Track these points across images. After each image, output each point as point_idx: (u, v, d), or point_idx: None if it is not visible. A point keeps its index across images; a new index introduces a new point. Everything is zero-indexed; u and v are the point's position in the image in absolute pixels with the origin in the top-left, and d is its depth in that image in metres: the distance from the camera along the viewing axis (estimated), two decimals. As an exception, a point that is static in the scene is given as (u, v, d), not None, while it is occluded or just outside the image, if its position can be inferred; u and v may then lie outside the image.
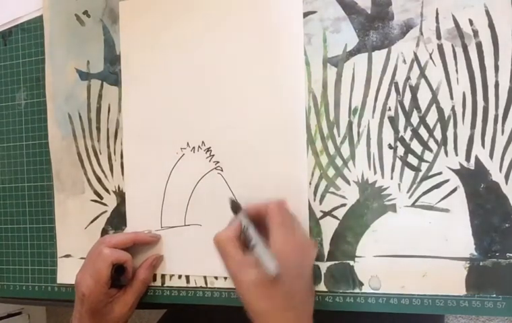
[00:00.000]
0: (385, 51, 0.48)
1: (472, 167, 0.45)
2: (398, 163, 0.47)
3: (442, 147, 0.46)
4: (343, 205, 0.49)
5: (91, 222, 0.59)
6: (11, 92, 0.63)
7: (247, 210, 0.47)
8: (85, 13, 0.59)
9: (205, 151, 0.54)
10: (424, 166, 0.47)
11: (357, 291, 0.49)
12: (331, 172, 0.49)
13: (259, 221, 0.46)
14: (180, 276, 0.55)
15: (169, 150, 0.55)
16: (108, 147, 0.58)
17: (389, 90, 0.48)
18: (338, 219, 0.49)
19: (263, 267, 0.42)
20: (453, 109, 0.46)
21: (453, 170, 0.46)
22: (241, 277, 0.44)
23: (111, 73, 0.58)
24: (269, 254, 0.42)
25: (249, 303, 0.44)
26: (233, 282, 0.45)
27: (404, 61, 0.47)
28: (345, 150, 0.49)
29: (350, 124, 0.49)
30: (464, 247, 0.45)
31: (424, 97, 0.47)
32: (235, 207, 0.47)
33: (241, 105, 0.52)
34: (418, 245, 0.47)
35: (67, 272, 0.60)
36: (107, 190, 0.58)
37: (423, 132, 0.47)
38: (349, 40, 0.49)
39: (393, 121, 0.48)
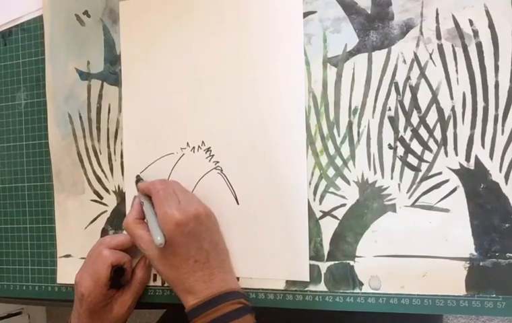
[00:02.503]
0: (385, 51, 0.48)
1: (472, 167, 0.45)
2: (398, 163, 0.47)
3: (442, 147, 0.46)
4: (343, 205, 0.49)
5: (91, 222, 0.59)
6: (11, 92, 0.63)
7: (140, 187, 0.53)
8: (85, 13, 0.59)
9: (205, 151, 0.54)
10: (424, 166, 0.47)
11: (357, 291, 0.49)
12: (330, 172, 0.49)
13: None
14: (180, 276, 0.55)
15: (169, 150, 0.55)
16: (108, 147, 0.58)
17: (389, 90, 0.48)
18: (338, 219, 0.49)
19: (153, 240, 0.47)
20: (453, 109, 0.46)
21: (453, 170, 0.46)
22: (150, 253, 0.49)
23: (111, 73, 0.58)
24: (156, 227, 0.47)
25: (162, 274, 0.50)
26: (147, 259, 0.51)
27: (404, 61, 0.47)
28: (345, 150, 0.49)
29: (350, 124, 0.49)
30: (464, 247, 0.45)
31: (424, 97, 0.47)
32: (137, 182, 0.54)
33: (241, 105, 0.52)
34: (418, 245, 0.47)
35: (66, 272, 0.60)
36: (107, 190, 0.58)
37: (423, 132, 0.47)
38: (349, 40, 0.49)
39: (393, 121, 0.48)
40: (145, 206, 0.51)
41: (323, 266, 0.50)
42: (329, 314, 0.49)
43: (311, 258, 0.50)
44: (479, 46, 0.45)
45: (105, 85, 0.58)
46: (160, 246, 0.46)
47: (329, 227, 0.49)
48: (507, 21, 0.44)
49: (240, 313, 0.46)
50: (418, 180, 0.47)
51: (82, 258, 0.58)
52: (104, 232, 0.58)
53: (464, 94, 0.45)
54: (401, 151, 0.47)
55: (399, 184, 0.47)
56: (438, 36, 0.46)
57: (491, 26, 0.45)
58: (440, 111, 0.46)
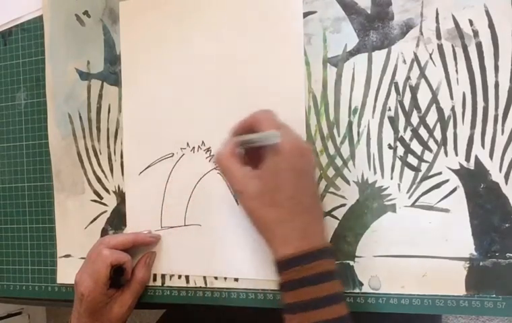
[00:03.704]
0: (385, 51, 0.48)
1: (472, 167, 0.45)
2: (398, 163, 0.47)
3: (442, 147, 0.46)
4: (343, 205, 0.49)
5: (91, 222, 0.59)
6: (11, 92, 0.63)
7: (235, 130, 0.47)
8: (85, 13, 0.59)
9: (205, 151, 0.54)
10: (424, 166, 0.47)
11: (357, 291, 0.49)
12: (330, 172, 0.49)
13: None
14: (180, 276, 0.55)
15: (169, 150, 0.55)
16: (108, 147, 0.58)
17: (389, 90, 0.48)
18: (338, 219, 0.49)
19: (269, 158, 0.42)
20: (452, 109, 0.46)
21: (453, 170, 0.46)
22: (245, 189, 0.43)
23: (111, 73, 0.58)
24: (268, 132, 0.42)
25: (255, 214, 0.44)
26: (238, 198, 0.45)
27: (404, 61, 0.47)
28: (345, 150, 0.49)
29: (350, 124, 0.49)
30: (464, 248, 0.45)
31: (424, 97, 0.47)
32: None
33: (241, 105, 0.52)
34: (418, 245, 0.47)
35: (66, 272, 0.60)
36: (107, 190, 0.58)
37: (423, 132, 0.47)
38: (349, 40, 0.49)
39: (393, 121, 0.48)
40: (244, 136, 0.45)
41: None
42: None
43: (311, 258, 0.50)
44: (479, 46, 0.45)
45: (105, 85, 0.58)
46: (276, 140, 0.40)
47: (329, 227, 0.49)
48: (507, 21, 0.44)
49: (333, 276, 0.42)
50: (418, 180, 0.47)
51: (82, 258, 0.58)
52: (104, 232, 0.58)
53: (464, 94, 0.45)
54: (401, 151, 0.47)
55: (399, 184, 0.47)
56: (438, 36, 0.46)
57: (491, 26, 0.45)
58: (440, 111, 0.46)
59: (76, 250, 0.59)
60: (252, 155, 0.46)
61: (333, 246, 0.45)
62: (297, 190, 0.42)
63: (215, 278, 0.54)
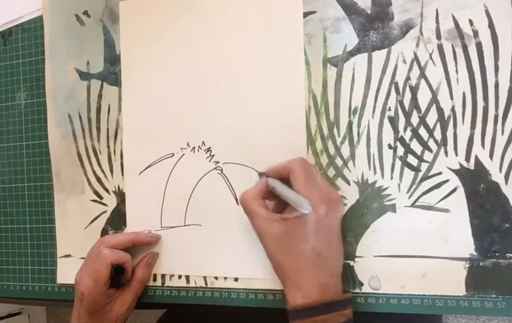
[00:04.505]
0: (385, 51, 0.48)
1: (472, 167, 0.45)
2: (398, 163, 0.47)
3: (442, 147, 0.46)
4: (343, 205, 0.49)
5: (91, 222, 0.59)
6: (11, 92, 0.63)
7: (270, 172, 0.47)
8: (85, 13, 0.59)
9: (205, 151, 0.54)
10: (424, 166, 0.47)
11: (357, 291, 0.49)
12: (331, 172, 0.49)
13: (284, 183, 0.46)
14: (180, 276, 0.55)
15: (169, 150, 0.55)
16: (108, 147, 0.58)
17: (389, 90, 0.48)
18: (338, 219, 0.49)
19: (296, 209, 0.42)
20: (453, 109, 0.46)
21: (453, 170, 0.46)
22: (268, 231, 0.44)
23: (111, 73, 0.58)
24: (301, 196, 0.42)
25: (274, 258, 0.44)
26: (260, 240, 0.45)
27: (404, 61, 0.47)
28: (345, 150, 0.49)
29: (350, 124, 0.49)
30: (464, 248, 0.45)
31: (424, 97, 0.47)
32: (261, 175, 0.48)
33: (241, 105, 0.52)
34: (418, 245, 0.47)
35: (66, 272, 0.60)
36: (107, 190, 0.58)
37: (423, 132, 0.47)
38: (349, 40, 0.49)
39: (393, 121, 0.48)
40: (278, 184, 0.46)
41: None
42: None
43: (311, 258, 0.50)
44: (479, 46, 0.45)
45: (105, 85, 0.58)
46: (307, 213, 0.41)
47: (329, 227, 0.49)
48: (507, 21, 0.44)
49: None
50: (418, 180, 0.47)
51: (82, 258, 0.58)
52: (104, 232, 0.58)
53: (464, 94, 0.45)
54: (401, 151, 0.47)
55: (399, 184, 0.47)
56: (438, 36, 0.46)
57: (491, 26, 0.45)
58: (440, 111, 0.46)
59: (76, 250, 0.59)
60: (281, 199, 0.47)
61: (347, 296, 0.45)
62: (319, 243, 0.43)
63: (215, 278, 0.54)
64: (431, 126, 0.46)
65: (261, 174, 0.48)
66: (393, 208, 0.47)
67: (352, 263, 0.49)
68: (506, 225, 0.44)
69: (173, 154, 0.55)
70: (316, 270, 0.43)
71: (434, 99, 0.46)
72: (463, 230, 0.45)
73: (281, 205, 0.47)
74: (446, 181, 0.46)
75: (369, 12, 0.48)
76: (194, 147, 0.54)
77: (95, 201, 0.59)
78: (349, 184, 0.49)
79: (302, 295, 0.42)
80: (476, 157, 0.45)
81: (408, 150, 0.47)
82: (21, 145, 0.63)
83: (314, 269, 0.43)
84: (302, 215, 0.42)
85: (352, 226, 0.49)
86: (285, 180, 0.46)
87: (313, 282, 0.43)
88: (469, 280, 0.45)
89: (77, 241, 0.59)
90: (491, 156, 0.45)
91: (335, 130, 0.49)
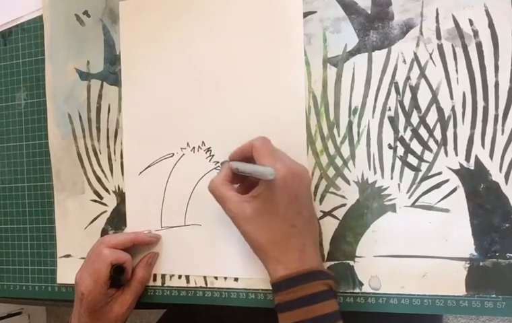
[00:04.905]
0: (385, 51, 0.48)
1: (472, 167, 0.45)
2: (398, 163, 0.47)
3: (442, 147, 0.46)
4: (343, 205, 0.49)
5: (91, 222, 0.59)
6: (11, 92, 0.63)
7: (232, 156, 0.48)
8: (85, 13, 0.59)
9: (205, 151, 0.54)
10: (424, 166, 0.47)
11: (357, 291, 0.49)
12: (331, 172, 0.49)
13: (247, 162, 0.47)
14: (180, 276, 0.55)
15: (169, 150, 0.55)
16: (108, 146, 0.58)
17: (389, 90, 0.48)
18: (338, 219, 0.49)
19: (262, 184, 0.43)
20: (453, 109, 0.46)
21: (453, 170, 0.46)
22: (240, 213, 0.45)
23: (111, 73, 0.58)
24: (263, 166, 0.43)
25: (250, 237, 0.45)
26: (233, 222, 0.46)
27: (404, 61, 0.47)
28: (345, 150, 0.49)
29: (350, 124, 0.49)
30: (464, 248, 0.45)
31: (424, 97, 0.47)
32: (223, 163, 0.50)
33: (241, 105, 0.52)
34: (418, 245, 0.47)
35: (66, 272, 0.60)
36: (107, 190, 0.58)
37: (423, 132, 0.47)
38: (349, 40, 0.49)
39: (393, 121, 0.48)
40: (241, 164, 0.46)
41: (323, 266, 0.49)
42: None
43: (311, 258, 0.50)
44: (479, 45, 0.45)
45: (105, 85, 0.58)
46: (271, 178, 0.41)
47: (329, 227, 0.49)
48: (507, 21, 0.44)
49: (327, 296, 0.43)
50: (418, 180, 0.47)
51: (82, 258, 0.58)
52: (104, 232, 0.58)
53: (464, 94, 0.45)
54: (401, 151, 0.47)
55: (399, 184, 0.47)
56: (438, 36, 0.46)
57: (491, 26, 0.45)
58: (440, 111, 0.46)
59: (76, 250, 0.59)
60: (248, 181, 0.48)
61: (326, 269, 0.46)
62: (291, 213, 0.43)
63: (215, 278, 0.54)
64: (431, 126, 0.46)
65: (223, 163, 0.50)
66: (393, 208, 0.47)
67: (351, 263, 0.49)
68: (506, 225, 0.44)
69: (173, 154, 0.55)
70: (292, 241, 0.43)
71: (434, 99, 0.46)
72: (463, 230, 0.45)
73: (249, 189, 0.47)
74: (447, 181, 0.46)
75: (369, 12, 0.48)
76: (194, 147, 0.54)
77: (95, 201, 0.59)
78: (349, 184, 0.49)
79: (282, 267, 0.43)
80: (476, 157, 0.45)
81: (408, 150, 0.47)
82: (21, 145, 0.63)
83: (290, 240, 0.43)
84: (270, 188, 0.43)
85: (352, 226, 0.49)
86: (249, 160, 0.46)
87: (291, 253, 0.43)
88: (469, 280, 0.45)
89: (77, 241, 0.59)
90: (491, 156, 0.45)
91: (335, 130, 0.49)
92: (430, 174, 0.47)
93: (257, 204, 0.44)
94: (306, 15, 0.50)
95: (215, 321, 0.61)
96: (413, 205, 0.47)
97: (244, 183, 0.49)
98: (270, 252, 0.44)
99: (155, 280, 0.56)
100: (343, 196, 0.49)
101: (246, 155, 0.47)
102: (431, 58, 0.46)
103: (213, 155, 0.53)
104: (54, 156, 0.61)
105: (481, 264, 0.45)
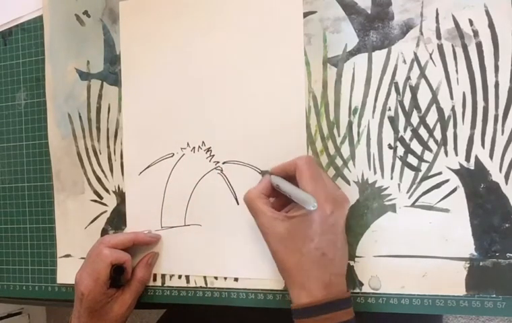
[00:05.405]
0: (385, 51, 0.48)
1: (472, 167, 0.45)
2: (398, 163, 0.47)
3: (442, 147, 0.46)
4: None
5: (91, 222, 0.59)
6: (11, 92, 0.63)
7: (274, 171, 0.47)
8: (85, 13, 0.59)
9: (205, 151, 0.54)
10: (424, 166, 0.47)
11: (357, 291, 0.49)
12: (331, 172, 0.49)
13: (289, 180, 0.45)
14: (180, 276, 0.55)
15: (169, 150, 0.55)
16: (108, 146, 0.58)
17: (389, 90, 0.48)
18: (338, 219, 0.49)
19: (301, 207, 0.42)
20: (453, 109, 0.46)
21: (453, 170, 0.46)
22: (272, 230, 0.44)
23: (111, 73, 0.58)
24: (306, 193, 0.42)
25: (278, 257, 0.44)
26: (264, 238, 0.45)
27: (404, 61, 0.47)
28: (345, 150, 0.49)
29: (350, 124, 0.49)
30: (464, 248, 0.45)
31: (424, 97, 0.47)
32: (264, 173, 0.48)
33: (241, 106, 0.52)
34: (418, 245, 0.47)
35: (66, 272, 0.60)
36: (107, 190, 0.58)
37: (423, 132, 0.47)
38: (349, 40, 0.49)
39: (393, 121, 0.48)
40: (282, 181, 0.45)
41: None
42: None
43: (311, 258, 0.50)
44: (479, 46, 0.45)
45: (105, 85, 0.58)
46: (312, 209, 0.40)
47: (329, 227, 0.49)
48: (507, 21, 0.44)
49: None
50: (418, 180, 0.47)
51: (82, 258, 0.58)
52: (104, 232, 0.58)
53: (464, 94, 0.45)
54: (401, 151, 0.47)
55: (399, 184, 0.47)
56: (438, 36, 0.46)
57: (491, 26, 0.45)
58: (440, 111, 0.46)
59: (76, 250, 0.59)
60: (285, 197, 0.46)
61: (350, 295, 0.44)
62: (325, 243, 0.42)
63: (215, 278, 0.54)
64: (431, 126, 0.46)
65: (263, 172, 0.48)
66: (393, 208, 0.48)
67: (352, 263, 0.49)
68: (506, 225, 0.44)
69: (173, 154, 0.55)
70: (321, 270, 0.42)
71: (434, 99, 0.46)
72: (463, 230, 0.45)
73: (285, 204, 0.47)
74: (447, 181, 0.46)
75: (369, 12, 0.48)
76: (194, 147, 0.54)
77: (95, 201, 0.59)
78: (349, 184, 0.49)
79: (306, 294, 0.42)
80: (476, 157, 0.45)
81: (408, 150, 0.47)
82: (21, 145, 0.63)
83: (319, 268, 0.42)
84: (307, 213, 0.42)
85: (352, 226, 0.49)
86: (291, 178, 0.45)
87: (318, 281, 0.42)
88: (469, 280, 0.45)
89: (77, 241, 0.59)
90: (491, 156, 0.45)
91: (335, 130, 0.49)
92: (430, 174, 0.47)
93: (291, 226, 0.43)
94: (306, 15, 0.50)
95: (215, 322, 0.61)
96: (413, 205, 0.47)
97: (280, 197, 0.47)
98: (296, 277, 0.43)
99: (155, 280, 0.56)
100: (343, 196, 0.49)
101: (289, 174, 0.45)
102: (431, 58, 0.46)
103: (213, 155, 0.53)
104: (54, 156, 0.61)
105: (481, 264, 0.45)
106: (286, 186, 0.44)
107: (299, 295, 0.43)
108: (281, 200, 0.47)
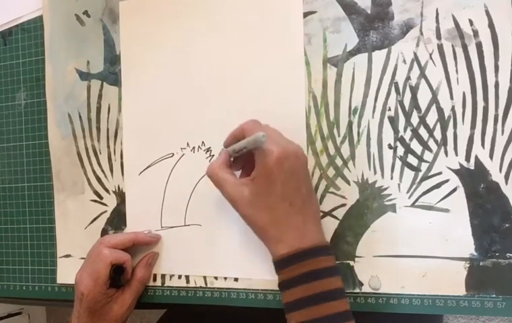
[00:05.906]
0: (385, 51, 0.48)
1: (472, 167, 0.45)
2: (398, 163, 0.47)
3: (442, 147, 0.46)
4: (343, 205, 0.49)
5: (91, 222, 0.59)
6: (11, 92, 0.63)
7: (226, 142, 0.48)
8: (85, 13, 0.59)
9: (205, 151, 0.54)
10: (424, 166, 0.47)
11: (357, 291, 0.49)
12: (331, 172, 0.49)
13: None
14: (180, 276, 0.55)
15: (169, 150, 0.55)
16: (108, 146, 0.58)
17: (389, 90, 0.48)
18: (338, 219, 0.49)
19: (258, 165, 0.43)
20: (453, 109, 0.46)
21: (453, 170, 0.46)
22: (238, 196, 0.45)
23: (111, 73, 0.58)
24: (254, 135, 0.43)
25: (251, 219, 0.45)
26: (232, 205, 0.46)
27: (404, 61, 0.47)
28: (345, 150, 0.49)
29: (350, 124, 0.49)
30: (464, 248, 0.45)
31: (424, 97, 0.47)
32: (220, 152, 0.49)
33: (241, 105, 0.52)
34: (418, 245, 0.47)
35: (66, 272, 0.60)
36: (107, 190, 0.58)
37: (423, 132, 0.47)
38: (349, 40, 0.49)
39: (393, 121, 0.48)
40: (236, 144, 0.46)
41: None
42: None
43: (311, 258, 0.50)
44: (479, 46, 0.45)
45: (105, 85, 0.58)
46: (263, 139, 0.41)
47: (329, 227, 0.49)
48: (507, 21, 0.44)
49: (331, 272, 0.43)
50: (418, 180, 0.47)
51: (82, 258, 0.58)
52: (104, 232, 0.58)
53: (464, 94, 0.45)
54: (401, 151, 0.47)
55: (399, 184, 0.47)
56: (438, 36, 0.46)
57: (491, 26, 0.45)
58: (440, 111, 0.46)
59: (76, 250, 0.59)
60: (247, 167, 0.48)
61: (329, 244, 0.45)
62: (289, 191, 0.43)
63: (215, 278, 0.54)
64: (431, 126, 0.46)
65: (220, 153, 0.50)
66: (393, 208, 0.48)
67: (351, 263, 0.49)
68: (506, 225, 0.44)
69: (173, 154, 0.55)
70: (293, 219, 0.43)
71: (434, 99, 0.46)
72: (463, 230, 0.45)
73: (247, 173, 0.47)
74: (447, 181, 0.46)
75: (369, 12, 0.48)
76: (194, 147, 0.54)
77: (95, 201, 0.59)
78: (349, 184, 0.49)
79: (283, 246, 0.43)
80: (476, 157, 0.45)
81: (408, 150, 0.47)
82: (21, 145, 0.63)
83: (290, 218, 0.43)
84: (264, 168, 0.43)
85: (352, 226, 0.49)
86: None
87: (292, 232, 0.43)
88: (469, 280, 0.45)
89: (77, 241, 0.59)
90: (491, 156, 0.45)
91: (335, 130, 0.49)
92: (430, 174, 0.47)
93: (255, 186, 0.44)
94: (306, 15, 0.50)
95: (215, 322, 0.61)
96: (413, 205, 0.47)
97: (245, 169, 0.49)
98: (271, 232, 0.44)
99: (155, 280, 0.56)
100: (343, 196, 0.49)
101: (239, 139, 0.47)
102: (431, 58, 0.46)
103: (213, 155, 0.53)
104: (54, 156, 0.61)
105: (481, 264, 0.45)
106: (239, 144, 0.46)
107: (276, 248, 0.44)
108: (245, 172, 0.49)
